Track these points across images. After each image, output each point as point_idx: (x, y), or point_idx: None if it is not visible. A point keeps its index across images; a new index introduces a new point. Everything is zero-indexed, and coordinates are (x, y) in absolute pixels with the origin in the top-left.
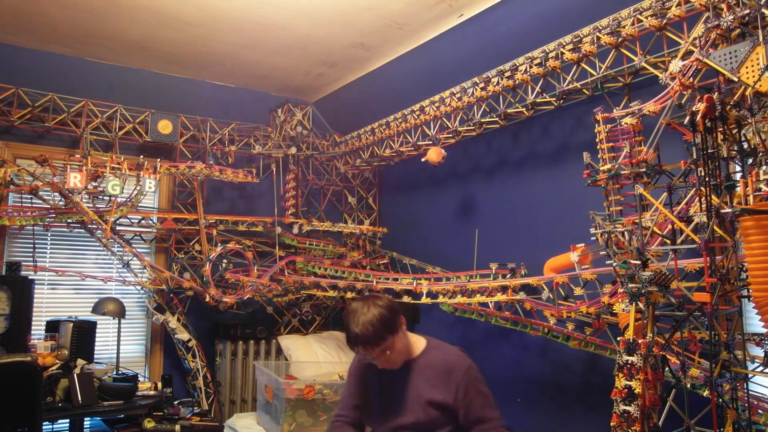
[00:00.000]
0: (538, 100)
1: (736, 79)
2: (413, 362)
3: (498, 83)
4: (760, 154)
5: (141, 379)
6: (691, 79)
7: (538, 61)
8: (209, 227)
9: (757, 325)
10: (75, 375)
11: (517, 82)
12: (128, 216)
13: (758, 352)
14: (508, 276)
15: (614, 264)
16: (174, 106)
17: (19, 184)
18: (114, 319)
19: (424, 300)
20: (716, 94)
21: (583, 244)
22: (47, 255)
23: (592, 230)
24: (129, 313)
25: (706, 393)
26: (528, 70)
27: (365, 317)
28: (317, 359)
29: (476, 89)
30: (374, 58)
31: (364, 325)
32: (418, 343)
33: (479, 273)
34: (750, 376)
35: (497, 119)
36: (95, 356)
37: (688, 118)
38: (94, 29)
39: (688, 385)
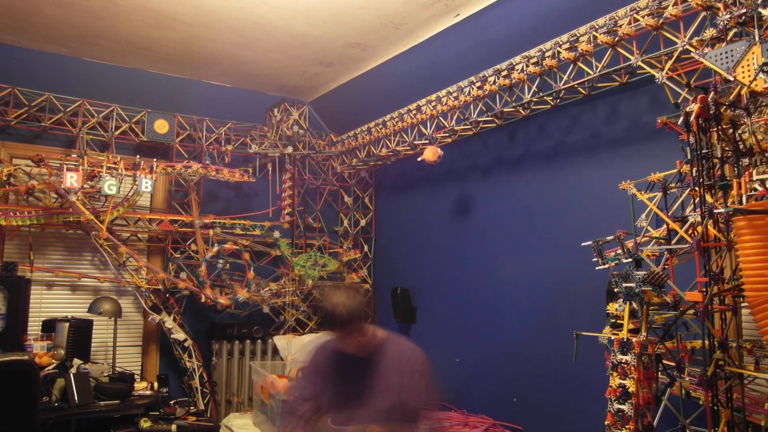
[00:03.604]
0: (534, 99)
1: (732, 79)
2: (379, 351)
3: (494, 82)
4: (756, 154)
5: (137, 378)
6: None
7: (534, 60)
8: (205, 228)
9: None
10: (71, 375)
11: (513, 82)
12: (124, 216)
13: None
14: None
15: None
16: (170, 106)
17: (15, 184)
18: (110, 318)
19: None
20: (712, 93)
21: None
22: (44, 255)
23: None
24: (125, 313)
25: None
26: (525, 69)
27: (347, 300)
28: None
29: (473, 88)
30: (371, 58)
31: (345, 307)
32: (378, 332)
33: None
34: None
35: (494, 118)
36: (91, 356)
37: (682, 118)
38: (91, 29)
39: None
